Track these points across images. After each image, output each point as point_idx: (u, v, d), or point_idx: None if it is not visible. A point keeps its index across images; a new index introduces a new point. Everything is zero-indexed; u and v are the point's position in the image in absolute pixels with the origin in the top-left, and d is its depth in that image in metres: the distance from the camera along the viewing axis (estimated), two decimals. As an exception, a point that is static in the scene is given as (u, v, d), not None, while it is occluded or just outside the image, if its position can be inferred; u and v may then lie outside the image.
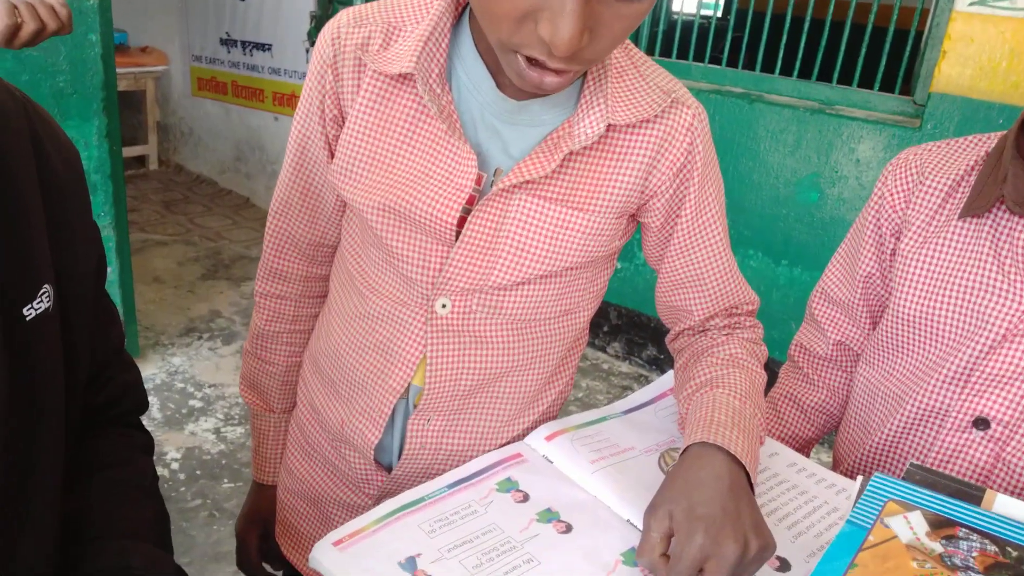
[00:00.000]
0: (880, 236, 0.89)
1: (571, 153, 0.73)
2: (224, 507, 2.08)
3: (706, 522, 0.64)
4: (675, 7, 3.08)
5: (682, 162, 0.75)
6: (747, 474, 0.70)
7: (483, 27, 0.64)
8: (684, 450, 0.73)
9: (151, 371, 2.67)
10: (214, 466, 2.24)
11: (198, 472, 2.20)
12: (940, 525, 0.60)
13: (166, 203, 4.39)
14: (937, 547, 0.59)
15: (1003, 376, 0.78)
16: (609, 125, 0.72)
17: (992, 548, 0.58)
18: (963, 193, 0.82)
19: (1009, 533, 0.60)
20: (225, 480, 2.18)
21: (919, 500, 0.63)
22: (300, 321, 0.94)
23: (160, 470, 2.17)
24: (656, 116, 0.74)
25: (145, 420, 0.86)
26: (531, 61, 0.61)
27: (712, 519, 0.64)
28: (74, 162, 0.70)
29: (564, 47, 0.57)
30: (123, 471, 0.76)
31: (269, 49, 4.01)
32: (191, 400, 2.54)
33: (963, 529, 0.60)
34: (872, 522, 0.61)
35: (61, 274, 0.66)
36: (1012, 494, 0.79)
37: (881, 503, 0.63)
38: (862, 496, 0.64)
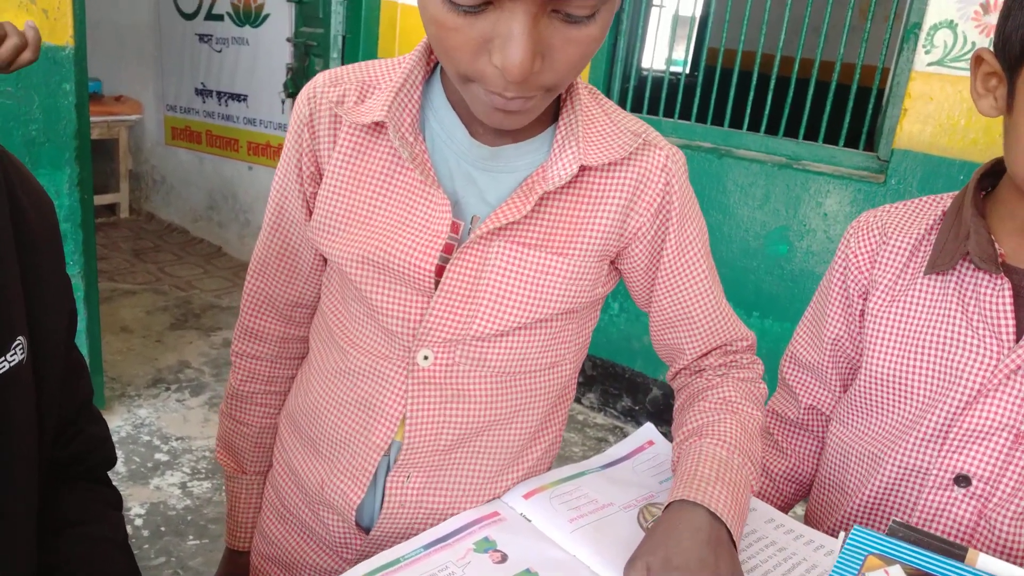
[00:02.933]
0: (847, 298, 0.90)
1: (547, 196, 0.73)
2: (189, 565, 2.02)
3: (682, 571, 0.65)
4: (645, 63, 3.16)
5: (659, 203, 0.76)
6: (730, 529, 0.70)
7: (442, 63, 0.65)
8: (667, 506, 0.73)
9: (116, 423, 2.60)
10: (179, 522, 2.17)
11: (163, 528, 2.14)
12: None
13: (136, 251, 4.34)
14: (917, 603, 0.59)
15: (980, 431, 0.78)
16: (582, 167, 0.73)
17: (970, 605, 0.59)
18: (925, 252, 0.84)
19: None
20: (191, 537, 2.12)
21: (900, 554, 0.63)
22: (275, 382, 0.93)
23: (123, 527, 2.11)
24: (628, 158, 0.75)
25: (109, 473, 0.84)
26: (491, 92, 0.63)
27: (688, 569, 0.65)
28: (49, 214, 0.70)
29: (516, 71, 0.58)
30: (96, 527, 0.75)
31: (245, 100, 4.03)
32: (157, 453, 2.48)
33: None
34: None
35: (34, 326, 0.65)
36: (996, 551, 0.79)
37: (862, 558, 0.63)
38: (843, 550, 0.64)
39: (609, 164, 0.74)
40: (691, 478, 0.73)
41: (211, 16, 4.10)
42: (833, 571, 0.63)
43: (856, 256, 0.89)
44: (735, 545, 0.70)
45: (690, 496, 0.70)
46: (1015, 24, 0.70)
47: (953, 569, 0.62)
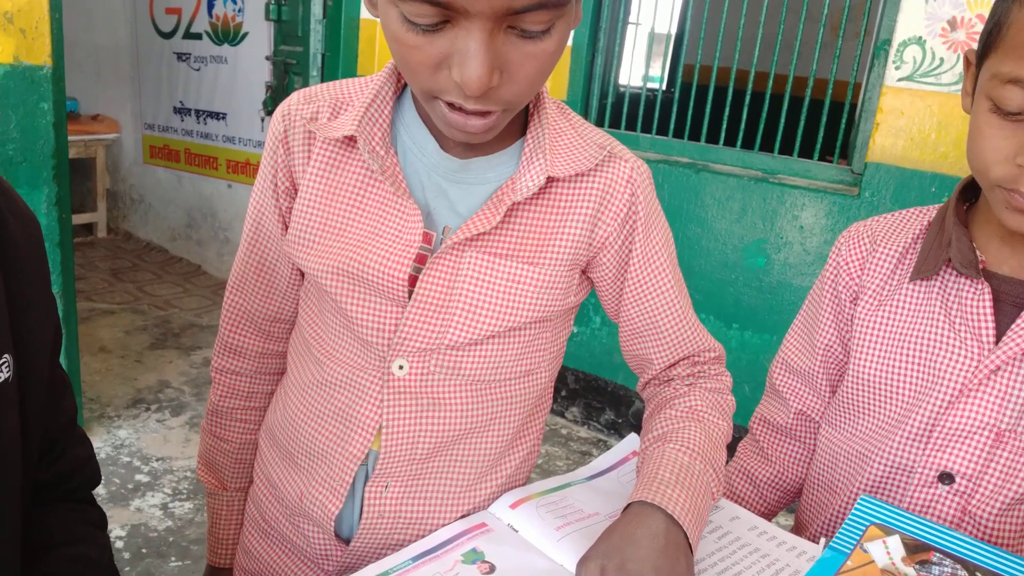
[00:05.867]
0: (839, 304, 0.92)
1: (516, 207, 0.75)
2: (171, 587, 2.00)
3: None
4: (622, 80, 3.20)
5: (625, 213, 0.78)
6: (687, 533, 0.71)
7: (407, 80, 0.67)
8: (626, 507, 0.74)
9: (96, 444, 2.57)
10: (161, 544, 2.15)
11: (144, 550, 2.11)
12: (916, 550, 0.63)
13: (114, 271, 4.30)
14: (911, 572, 0.61)
15: (963, 430, 0.81)
16: (550, 178, 0.75)
17: (962, 573, 0.61)
18: (911, 259, 0.87)
19: (981, 558, 0.62)
20: (173, 558, 2.10)
21: (902, 525, 0.65)
22: (255, 398, 0.93)
23: (103, 549, 2.08)
24: (594, 169, 0.77)
25: (90, 494, 0.84)
26: (453, 107, 0.65)
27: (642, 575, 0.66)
28: (35, 233, 0.70)
29: (474, 86, 0.60)
30: (80, 548, 0.74)
31: (224, 118, 4.02)
32: (137, 475, 2.45)
33: (937, 554, 0.62)
34: (852, 547, 0.63)
35: (19, 344, 0.65)
36: None
37: (864, 526, 0.65)
38: (848, 519, 0.67)
39: (576, 176, 0.77)
40: (651, 480, 0.74)
41: (189, 35, 4.10)
42: (834, 541, 0.64)
43: (847, 263, 0.91)
44: (692, 549, 0.72)
45: (648, 498, 0.72)
46: (989, 19, 0.74)
47: (952, 540, 0.64)
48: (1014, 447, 0.79)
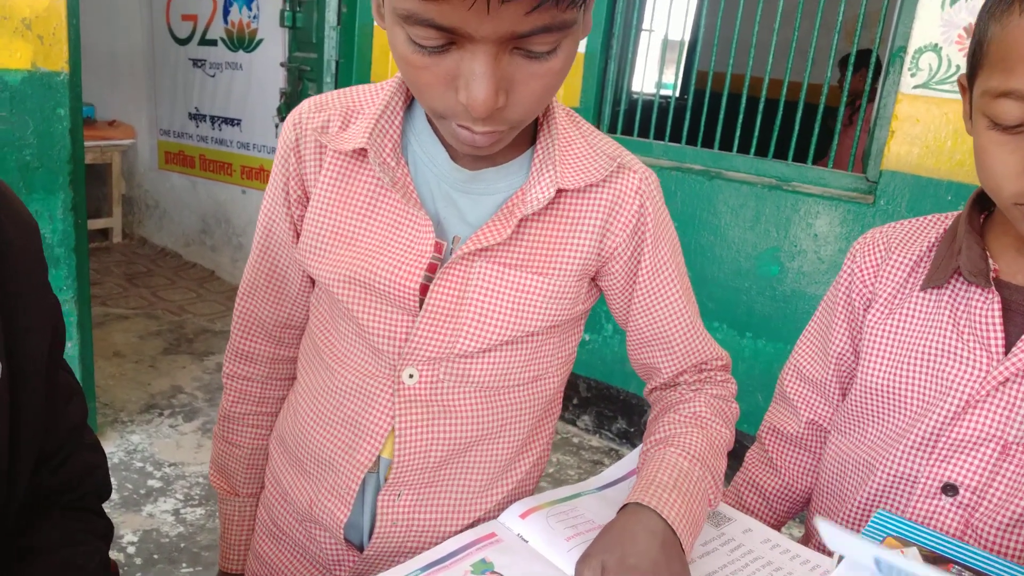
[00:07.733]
0: (852, 311, 0.92)
1: (526, 219, 0.75)
2: (182, 592, 2.00)
3: (637, 571, 0.66)
4: (635, 87, 3.20)
5: (634, 224, 0.78)
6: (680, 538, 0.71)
7: (416, 98, 0.68)
8: (622, 507, 0.75)
9: (109, 449, 2.58)
10: (172, 549, 2.15)
11: (155, 556, 2.12)
12: (935, 562, 0.62)
13: (129, 276, 4.33)
14: (930, 583, 0.60)
15: (968, 441, 0.79)
16: (560, 190, 0.75)
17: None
18: (924, 268, 0.86)
19: (1001, 573, 0.61)
20: (184, 564, 2.10)
21: (918, 538, 0.64)
22: (266, 403, 0.94)
23: (115, 554, 2.08)
24: (604, 180, 0.77)
25: (103, 500, 0.83)
26: (461, 126, 0.65)
27: (641, 570, 0.66)
28: (31, 233, 0.69)
29: (480, 108, 0.60)
30: (66, 553, 0.72)
31: (238, 124, 4.05)
32: (150, 480, 2.46)
33: (956, 567, 0.61)
34: None
35: (12, 350, 0.64)
36: None
37: (880, 539, 0.64)
38: (863, 532, 0.66)
39: (586, 186, 0.76)
40: (649, 483, 0.75)
41: (204, 41, 4.13)
42: None
43: (861, 270, 0.91)
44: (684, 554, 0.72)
45: (644, 500, 0.72)
46: (972, 41, 0.74)
47: (970, 554, 0.63)
48: (1021, 460, 0.78)
